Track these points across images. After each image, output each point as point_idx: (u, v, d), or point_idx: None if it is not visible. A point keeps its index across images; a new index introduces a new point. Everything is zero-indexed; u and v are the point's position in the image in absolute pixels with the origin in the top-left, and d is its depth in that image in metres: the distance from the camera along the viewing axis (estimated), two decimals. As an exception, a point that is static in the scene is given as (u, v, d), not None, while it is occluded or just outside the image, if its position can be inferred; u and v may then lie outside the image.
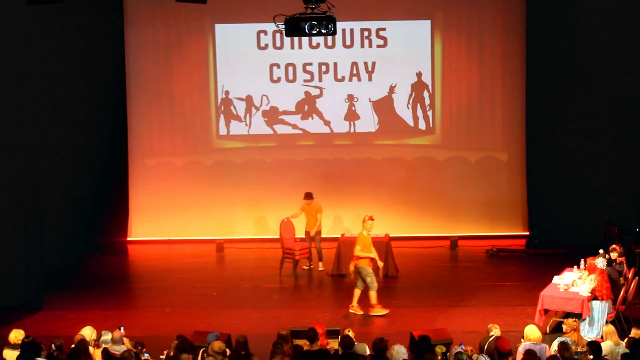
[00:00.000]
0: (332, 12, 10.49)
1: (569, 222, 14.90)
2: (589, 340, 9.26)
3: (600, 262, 10.84)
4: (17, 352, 8.51)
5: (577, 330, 9.28)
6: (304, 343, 8.73)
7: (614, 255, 11.19)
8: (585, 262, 11.43)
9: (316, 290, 13.20)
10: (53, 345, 8.64)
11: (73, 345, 8.51)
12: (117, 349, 8.73)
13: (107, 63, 15.38)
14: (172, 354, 8.51)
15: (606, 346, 8.83)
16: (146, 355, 8.63)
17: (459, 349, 8.36)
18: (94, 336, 9.06)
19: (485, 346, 8.73)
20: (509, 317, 11.35)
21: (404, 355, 8.03)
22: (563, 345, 8.49)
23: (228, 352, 8.45)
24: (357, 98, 15.86)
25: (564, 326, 9.47)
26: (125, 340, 9.03)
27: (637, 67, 14.48)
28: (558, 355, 8.24)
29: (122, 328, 9.31)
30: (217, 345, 8.29)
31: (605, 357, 8.46)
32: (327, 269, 13.80)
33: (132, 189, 16.11)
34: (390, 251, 13.57)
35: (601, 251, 11.35)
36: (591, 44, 14.65)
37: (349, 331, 9.12)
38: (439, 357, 8.36)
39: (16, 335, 8.79)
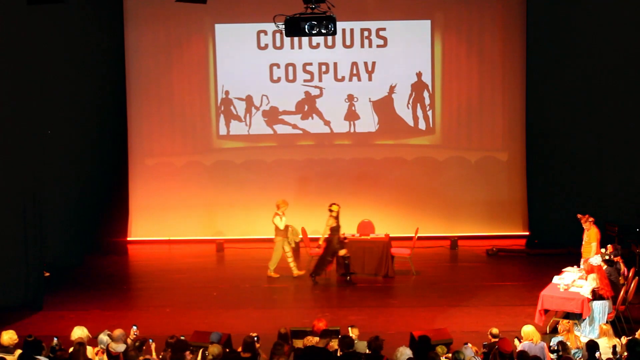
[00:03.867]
0: (332, 12, 10.49)
1: (569, 222, 14.84)
2: (589, 339, 9.26)
3: (595, 260, 10.88)
4: (10, 356, 8.46)
5: (570, 331, 9.29)
6: (307, 339, 8.73)
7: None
8: (583, 262, 11.46)
9: (316, 290, 13.18)
10: (55, 339, 8.69)
11: (71, 349, 8.50)
12: (115, 347, 8.74)
13: (107, 63, 15.38)
14: (169, 354, 8.50)
15: (600, 344, 8.83)
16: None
17: (464, 349, 8.36)
18: (86, 335, 9.02)
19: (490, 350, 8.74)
20: (509, 317, 11.35)
21: (409, 355, 8.02)
22: (562, 345, 8.50)
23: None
24: (357, 98, 15.86)
25: (559, 327, 9.48)
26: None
27: (637, 67, 14.48)
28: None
29: (135, 327, 9.40)
30: (214, 348, 8.27)
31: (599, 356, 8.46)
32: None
33: (132, 189, 16.11)
34: (389, 251, 13.58)
35: (603, 250, 11.38)
36: (591, 44, 14.65)
37: (353, 329, 9.15)
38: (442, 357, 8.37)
39: (9, 336, 8.64)
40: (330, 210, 13.15)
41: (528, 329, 9.01)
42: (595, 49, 14.62)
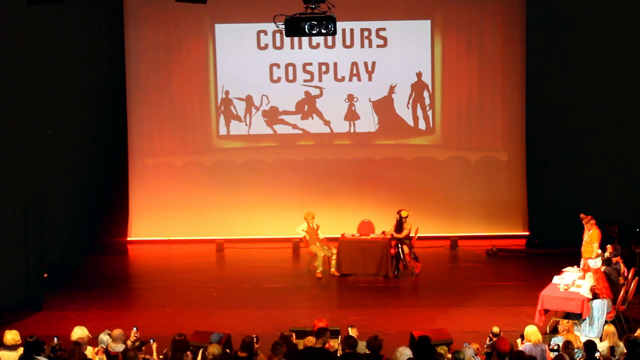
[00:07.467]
0: (332, 12, 10.50)
1: (569, 222, 14.86)
2: (588, 339, 9.26)
3: (593, 263, 10.89)
4: (13, 353, 8.48)
5: (570, 331, 9.28)
6: (307, 340, 8.74)
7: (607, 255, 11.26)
8: (583, 262, 11.48)
9: (316, 290, 13.20)
10: (55, 339, 8.69)
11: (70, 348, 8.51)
12: (114, 347, 8.74)
13: (107, 63, 15.38)
14: (169, 354, 8.51)
15: (604, 346, 8.83)
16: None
17: (464, 348, 8.36)
18: (86, 335, 9.02)
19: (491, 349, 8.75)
20: (509, 317, 11.36)
21: (409, 355, 8.02)
22: (567, 345, 8.49)
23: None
24: (357, 98, 15.86)
25: (559, 327, 9.48)
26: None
27: (637, 67, 14.48)
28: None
29: (136, 328, 9.36)
30: (213, 348, 8.27)
31: (600, 357, 8.45)
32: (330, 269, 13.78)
33: (132, 189, 16.11)
34: (389, 251, 13.59)
35: (599, 251, 11.39)
36: (591, 44, 14.65)
37: (352, 329, 9.15)
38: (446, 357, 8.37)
39: (12, 336, 8.67)
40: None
41: (529, 330, 8.98)
42: (595, 49, 14.61)
